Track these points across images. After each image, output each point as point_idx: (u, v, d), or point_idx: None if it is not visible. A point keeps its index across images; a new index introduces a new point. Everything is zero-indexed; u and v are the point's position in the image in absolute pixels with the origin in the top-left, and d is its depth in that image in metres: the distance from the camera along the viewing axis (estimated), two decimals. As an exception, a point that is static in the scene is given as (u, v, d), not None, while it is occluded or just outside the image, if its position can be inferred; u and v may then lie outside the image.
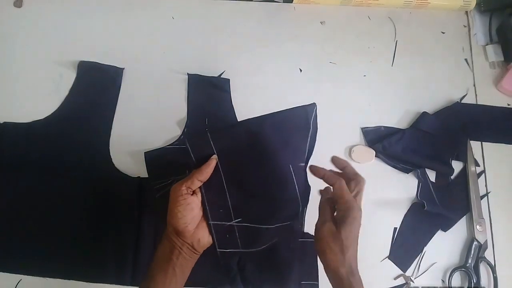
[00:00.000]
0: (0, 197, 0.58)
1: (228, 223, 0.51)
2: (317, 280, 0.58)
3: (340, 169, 0.53)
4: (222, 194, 0.51)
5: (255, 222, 0.51)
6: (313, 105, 0.53)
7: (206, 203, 0.50)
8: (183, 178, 0.49)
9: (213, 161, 0.50)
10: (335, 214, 0.49)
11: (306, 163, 0.54)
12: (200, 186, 0.50)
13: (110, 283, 0.56)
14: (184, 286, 0.55)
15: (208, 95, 0.65)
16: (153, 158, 0.60)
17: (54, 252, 0.56)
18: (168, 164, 0.59)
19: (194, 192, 0.49)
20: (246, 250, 0.52)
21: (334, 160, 0.53)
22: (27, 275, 0.55)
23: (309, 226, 0.60)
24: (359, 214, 0.47)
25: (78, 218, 0.57)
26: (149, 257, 0.55)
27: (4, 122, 0.61)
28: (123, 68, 0.65)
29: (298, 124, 0.53)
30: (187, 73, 0.66)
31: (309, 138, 0.53)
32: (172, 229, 0.48)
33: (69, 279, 0.55)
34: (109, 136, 0.62)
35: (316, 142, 0.63)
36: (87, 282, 0.55)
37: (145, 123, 0.63)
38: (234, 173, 0.51)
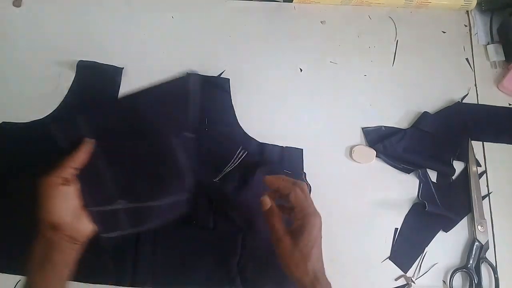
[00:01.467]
0: (-2, 197, 0.57)
1: (111, 207, 0.49)
2: (318, 281, 0.57)
3: (278, 187, 0.51)
4: (102, 178, 0.49)
5: (140, 201, 0.50)
6: (195, 74, 0.51)
7: (85, 190, 0.47)
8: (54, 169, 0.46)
9: (87, 144, 0.47)
10: (292, 224, 0.49)
11: (197, 133, 0.52)
12: (76, 173, 0.47)
13: (110, 284, 0.55)
14: (179, 286, 0.55)
15: (208, 95, 0.64)
16: None
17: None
18: None
19: (68, 181, 0.46)
20: (136, 231, 0.50)
21: (268, 181, 0.52)
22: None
23: (310, 227, 0.59)
24: (318, 220, 0.47)
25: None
26: (149, 258, 0.56)
27: (3, 122, 0.61)
28: (123, 68, 0.65)
29: (176, 95, 0.51)
30: (187, 73, 0.65)
31: (191, 106, 0.51)
32: (47, 225, 0.45)
33: (68, 280, 0.55)
34: (109, 136, 0.61)
35: (315, 141, 0.64)
36: (86, 283, 0.55)
37: (144, 123, 0.63)
38: (112, 154, 0.49)
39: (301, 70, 0.68)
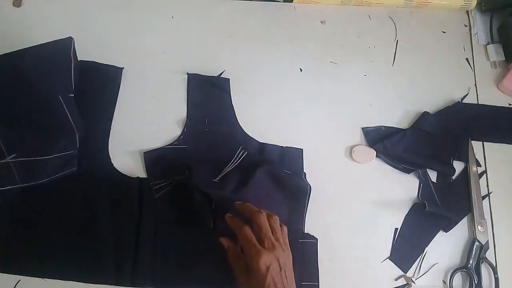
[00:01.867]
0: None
1: (2, 161, 0.51)
2: (318, 281, 0.57)
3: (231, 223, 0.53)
4: None
5: (31, 155, 0.52)
6: (70, 38, 0.56)
7: None
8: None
9: None
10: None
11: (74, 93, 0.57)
12: None
13: (110, 284, 0.55)
14: (179, 286, 0.55)
15: (208, 95, 0.65)
16: (152, 158, 0.60)
17: (53, 253, 0.56)
18: (167, 165, 0.59)
19: None
20: (27, 184, 0.53)
21: (238, 207, 0.54)
22: (26, 275, 0.55)
23: (309, 227, 0.59)
24: (267, 258, 0.47)
25: (77, 218, 0.57)
26: (149, 258, 0.56)
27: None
28: (123, 68, 0.65)
29: (59, 58, 0.56)
30: (187, 73, 0.65)
31: (72, 70, 0.56)
32: None
33: (68, 280, 0.55)
34: (108, 136, 0.61)
35: (315, 141, 0.64)
36: (86, 282, 0.55)
37: (144, 123, 0.63)
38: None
39: (301, 70, 0.68)
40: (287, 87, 0.67)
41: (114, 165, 0.60)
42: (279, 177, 0.59)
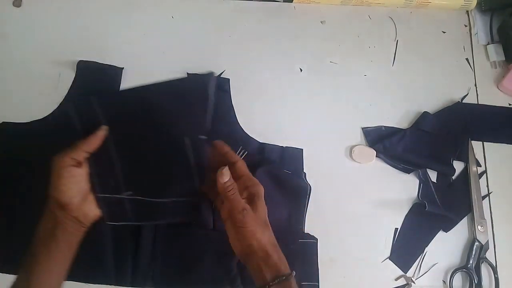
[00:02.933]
0: (-2, 197, 0.58)
1: (118, 196, 0.50)
2: (318, 281, 0.57)
3: (226, 152, 0.52)
4: (112, 165, 0.50)
5: (146, 195, 0.51)
6: (211, 74, 0.53)
7: (94, 175, 0.48)
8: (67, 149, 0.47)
9: (102, 131, 0.48)
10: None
11: (209, 136, 0.54)
12: (88, 157, 0.48)
13: (110, 284, 0.55)
14: (179, 286, 0.55)
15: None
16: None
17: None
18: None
19: (80, 163, 0.47)
20: (141, 223, 0.52)
21: (218, 145, 0.53)
22: (26, 276, 0.55)
23: (309, 227, 0.59)
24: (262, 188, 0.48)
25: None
26: (149, 258, 0.56)
27: (3, 122, 0.61)
28: (123, 68, 0.65)
29: (195, 95, 0.53)
30: (187, 73, 0.65)
31: (208, 109, 0.53)
32: (55, 203, 0.46)
33: (68, 280, 0.54)
34: (109, 136, 0.61)
35: (315, 141, 0.64)
36: (86, 283, 0.55)
37: (144, 123, 0.63)
38: (124, 143, 0.50)
39: (301, 70, 0.68)
40: (287, 87, 0.67)
41: (114, 165, 0.60)
42: (279, 177, 0.59)
